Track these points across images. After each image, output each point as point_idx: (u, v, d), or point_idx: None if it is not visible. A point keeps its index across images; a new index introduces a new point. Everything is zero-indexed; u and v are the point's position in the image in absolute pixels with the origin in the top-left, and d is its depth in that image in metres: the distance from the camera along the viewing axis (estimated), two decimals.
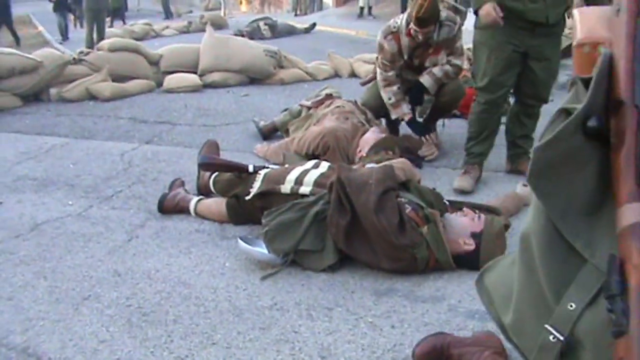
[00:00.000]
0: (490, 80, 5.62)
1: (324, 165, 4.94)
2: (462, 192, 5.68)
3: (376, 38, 6.59)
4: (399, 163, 4.71)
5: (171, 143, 7.19)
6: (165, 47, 10.98)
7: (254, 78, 10.53)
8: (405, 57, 6.43)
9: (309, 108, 6.90)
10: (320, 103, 6.81)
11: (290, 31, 19.33)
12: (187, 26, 21.07)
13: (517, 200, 5.22)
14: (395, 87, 6.52)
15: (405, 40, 6.33)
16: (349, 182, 4.18)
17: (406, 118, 6.58)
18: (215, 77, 10.23)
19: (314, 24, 20.56)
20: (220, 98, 9.27)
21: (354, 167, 4.88)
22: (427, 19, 6.06)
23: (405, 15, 6.33)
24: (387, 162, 4.71)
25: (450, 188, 5.72)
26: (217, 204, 5.07)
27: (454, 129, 7.39)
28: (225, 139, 7.23)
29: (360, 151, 5.90)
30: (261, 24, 18.49)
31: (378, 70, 6.52)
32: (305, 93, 9.48)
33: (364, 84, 6.95)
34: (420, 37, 6.19)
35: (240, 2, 35.90)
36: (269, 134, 7.21)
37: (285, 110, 7.53)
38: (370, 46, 16.93)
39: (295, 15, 27.07)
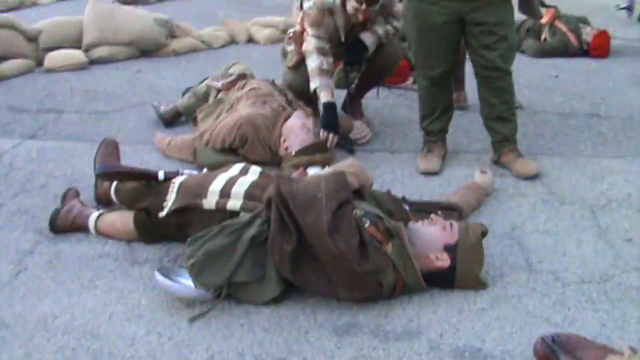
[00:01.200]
0: (425, 56, 5.01)
1: (254, 171, 4.11)
2: (429, 174, 5.08)
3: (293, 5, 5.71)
4: (350, 166, 3.92)
5: (59, 136, 6.17)
6: (44, 20, 9.80)
7: (145, 50, 9.53)
8: (342, 37, 5.62)
9: (218, 90, 5.99)
10: (232, 84, 5.88)
11: None
12: None
13: (478, 191, 4.56)
14: (330, 59, 5.58)
15: (341, 19, 5.51)
16: (292, 197, 3.37)
17: (323, 98, 5.45)
18: (101, 51, 9.14)
19: None
20: (110, 76, 8.23)
21: (293, 174, 4.07)
22: None
23: None
24: (336, 167, 3.91)
25: (392, 177, 5.02)
26: (122, 219, 4.20)
27: (380, 102, 6.62)
28: (121, 128, 6.28)
29: (284, 140, 5.09)
30: None
31: (311, 39, 5.53)
32: (202, 65, 8.74)
33: (294, 67, 5.95)
34: (359, 16, 5.37)
35: None
36: (171, 120, 6.25)
37: (188, 90, 6.63)
38: (262, 6, 16.15)
39: None
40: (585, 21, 9.33)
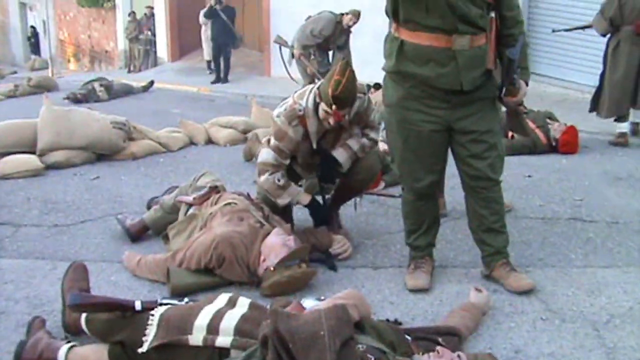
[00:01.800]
0: (412, 167, 4.77)
1: (243, 303, 3.81)
2: (419, 290, 4.80)
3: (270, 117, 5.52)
4: (349, 296, 3.66)
5: (17, 254, 5.78)
6: None
7: (102, 154, 9.23)
8: (314, 144, 5.39)
9: (189, 205, 5.70)
10: (204, 199, 5.59)
11: (128, 91, 18.03)
12: (14, 90, 19.31)
13: (475, 312, 4.29)
14: (283, 171, 5.46)
15: (313, 125, 5.29)
16: (291, 335, 3.07)
17: (304, 201, 5.51)
18: (57, 156, 8.81)
19: (152, 82, 19.36)
20: (68, 184, 7.90)
21: (288, 307, 3.77)
22: (344, 99, 5.04)
23: (311, 94, 5.27)
24: (335, 298, 3.64)
25: (380, 297, 4.74)
26: (96, 353, 3.83)
27: (354, 210, 6.36)
28: (85, 244, 5.92)
29: (264, 260, 4.82)
30: (96, 85, 17.10)
31: (271, 153, 5.38)
32: (162, 169, 8.53)
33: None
34: (330, 121, 5.17)
35: (69, 60, 34.23)
36: (138, 235, 5.93)
37: (153, 200, 6.36)
38: (215, 104, 16.14)
39: (129, 72, 25.69)
40: (551, 117, 9.29)
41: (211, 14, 19.77)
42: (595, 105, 9.66)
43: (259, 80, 20.02)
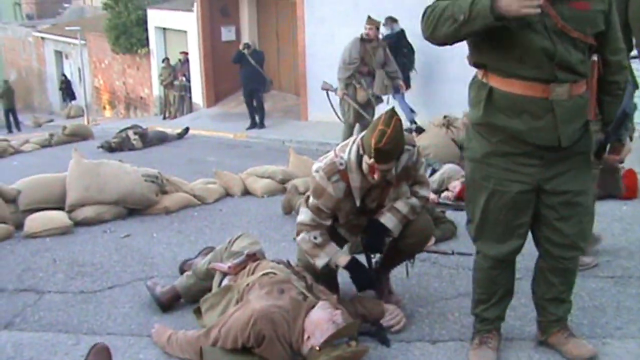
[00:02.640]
0: (492, 231, 4.21)
1: None
2: None
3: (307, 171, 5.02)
4: None
5: (38, 325, 5.33)
6: (22, 180, 9.03)
7: (133, 209, 8.81)
8: (358, 202, 4.85)
9: (224, 274, 5.19)
10: (241, 267, 5.06)
11: (162, 138, 17.84)
12: (49, 139, 19.26)
13: None
14: (322, 230, 4.95)
15: (356, 180, 4.74)
16: None
17: (342, 262, 4.95)
18: (87, 212, 8.43)
19: (187, 129, 19.15)
20: (97, 243, 7.47)
21: None
22: (389, 151, 4.50)
23: (355, 145, 4.76)
24: None
25: None
26: None
27: (403, 271, 5.81)
28: (112, 313, 5.45)
29: (308, 337, 4.31)
30: (130, 133, 16.93)
31: (308, 213, 4.90)
32: (197, 224, 8.14)
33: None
34: (375, 176, 4.64)
35: (104, 107, 34.32)
36: (169, 304, 5.44)
37: (185, 263, 5.95)
38: (252, 150, 15.79)
39: (164, 118, 25.58)
40: None
41: (239, 59, 19.47)
42: None
43: (296, 124, 19.68)
